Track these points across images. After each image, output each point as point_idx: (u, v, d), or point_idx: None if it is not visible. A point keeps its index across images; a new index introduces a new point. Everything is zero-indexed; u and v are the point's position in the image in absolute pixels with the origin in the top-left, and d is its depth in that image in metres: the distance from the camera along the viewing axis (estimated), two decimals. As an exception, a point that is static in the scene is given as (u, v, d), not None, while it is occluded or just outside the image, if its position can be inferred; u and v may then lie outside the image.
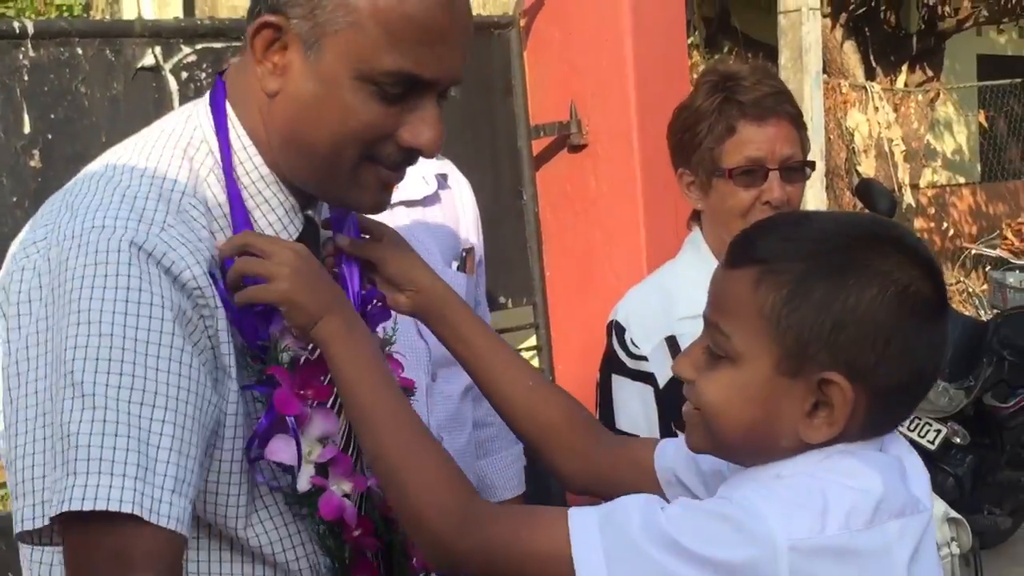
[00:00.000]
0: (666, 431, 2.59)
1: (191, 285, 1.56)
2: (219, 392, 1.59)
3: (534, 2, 4.49)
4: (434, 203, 2.90)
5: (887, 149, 11.09)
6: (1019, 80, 14.68)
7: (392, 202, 2.67)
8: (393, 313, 1.87)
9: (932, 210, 13.00)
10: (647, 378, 2.59)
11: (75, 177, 1.67)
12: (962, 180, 15.73)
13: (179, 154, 1.66)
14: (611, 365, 2.65)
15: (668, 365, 2.58)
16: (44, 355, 1.52)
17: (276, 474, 1.66)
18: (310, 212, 1.78)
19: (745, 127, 2.56)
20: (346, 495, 1.69)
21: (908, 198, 11.13)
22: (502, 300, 4.28)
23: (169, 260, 1.54)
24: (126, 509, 1.43)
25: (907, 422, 5.58)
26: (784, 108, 2.57)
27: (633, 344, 2.59)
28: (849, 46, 11.92)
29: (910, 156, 11.63)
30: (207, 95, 1.73)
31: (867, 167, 10.69)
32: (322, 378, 1.67)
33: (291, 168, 1.69)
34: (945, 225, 13.22)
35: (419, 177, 2.85)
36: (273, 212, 1.71)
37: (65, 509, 1.44)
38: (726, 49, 11.66)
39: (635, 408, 2.60)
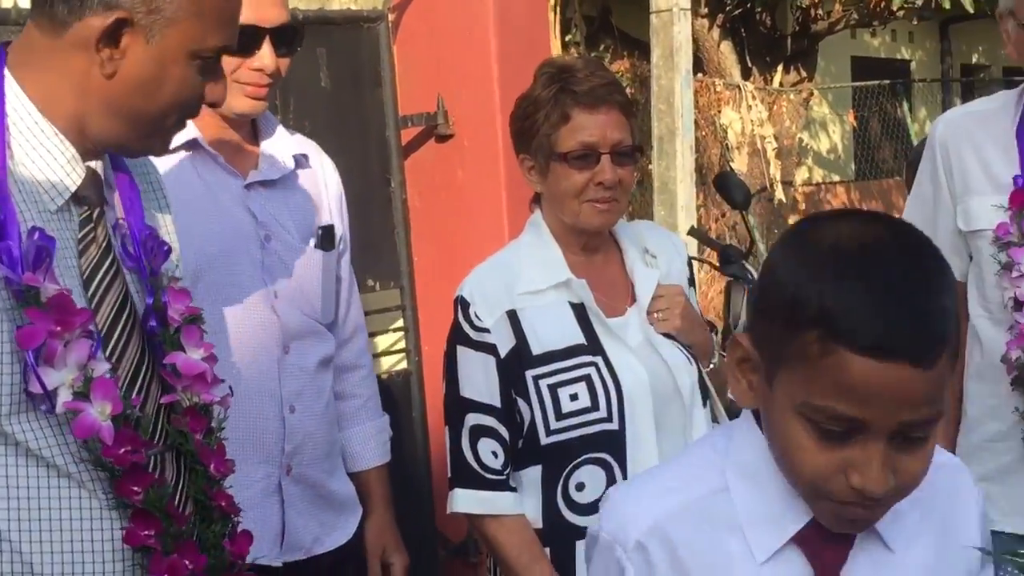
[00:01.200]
0: (506, 397, 2.79)
1: None
2: None
3: (403, -3, 4.67)
4: (292, 182, 3.00)
5: (760, 147, 11.41)
6: (890, 81, 15.12)
7: (250, 181, 2.86)
8: (173, 252, 2.17)
9: (805, 206, 13.36)
10: (490, 348, 2.79)
11: None
12: (836, 178, 16.15)
13: None
14: (457, 337, 2.86)
15: (509, 336, 2.78)
16: None
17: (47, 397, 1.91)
18: (91, 164, 2.03)
19: (579, 115, 2.79)
20: (108, 417, 1.94)
21: (779, 194, 11.45)
22: (370, 283, 4.43)
23: None
24: None
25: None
26: (614, 97, 2.81)
27: (476, 317, 2.79)
28: (726, 46, 12.22)
29: (783, 154, 11.96)
30: None
31: (740, 163, 10.99)
32: (76, 315, 1.93)
33: (107, 133, 2.01)
34: (817, 221, 13.59)
35: (279, 156, 2.97)
36: (55, 161, 1.97)
37: None
38: (603, 47, 11.90)
39: (479, 376, 2.80)
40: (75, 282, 1.98)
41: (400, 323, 4.48)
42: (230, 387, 2.34)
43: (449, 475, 2.88)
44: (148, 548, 1.98)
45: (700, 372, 2.93)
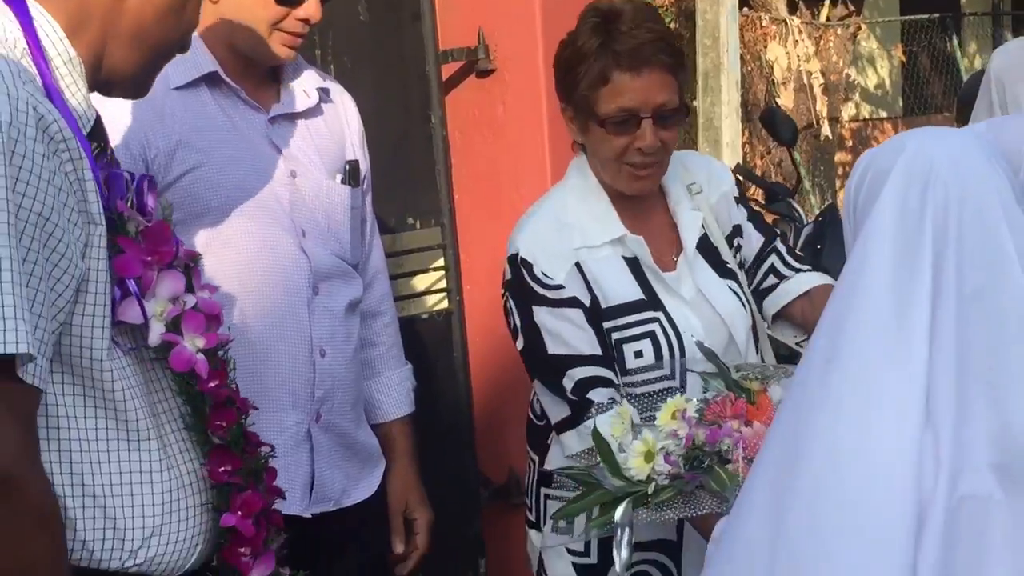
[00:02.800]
0: (603, 343, 2.70)
1: (59, 137, 1.77)
2: (87, 243, 1.81)
3: (443, -71, 4.56)
4: (316, 116, 2.93)
5: (806, 82, 11.25)
6: (939, 15, 14.86)
7: (273, 115, 2.78)
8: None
9: (852, 143, 13.19)
10: (572, 301, 2.70)
11: None
12: (884, 114, 15.93)
13: None
14: (531, 299, 2.74)
15: (583, 288, 2.70)
16: None
17: (133, 335, 1.89)
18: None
19: (619, 77, 2.65)
20: (200, 350, 1.94)
21: (826, 131, 11.29)
22: (410, 221, 4.37)
23: (38, 113, 1.74)
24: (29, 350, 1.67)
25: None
26: (659, 57, 2.65)
27: (546, 276, 2.70)
28: (773, -20, 12.02)
29: (829, 90, 11.79)
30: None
31: (786, 100, 10.84)
32: (166, 244, 1.91)
33: (124, 64, 1.97)
34: (864, 158, 13.44)
35: (301, 91, 2.89)
36: (79, 92, 1.91)
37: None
38: (646, -19, 11.75)
39: (569, 331, 2.70)
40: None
41: (441, 262, 4.42)
42: (228, 328, 2.32)
43: (555, 424, 2.79)
44: (224, 486, 1.97)
45: (753, 316, 2.85)
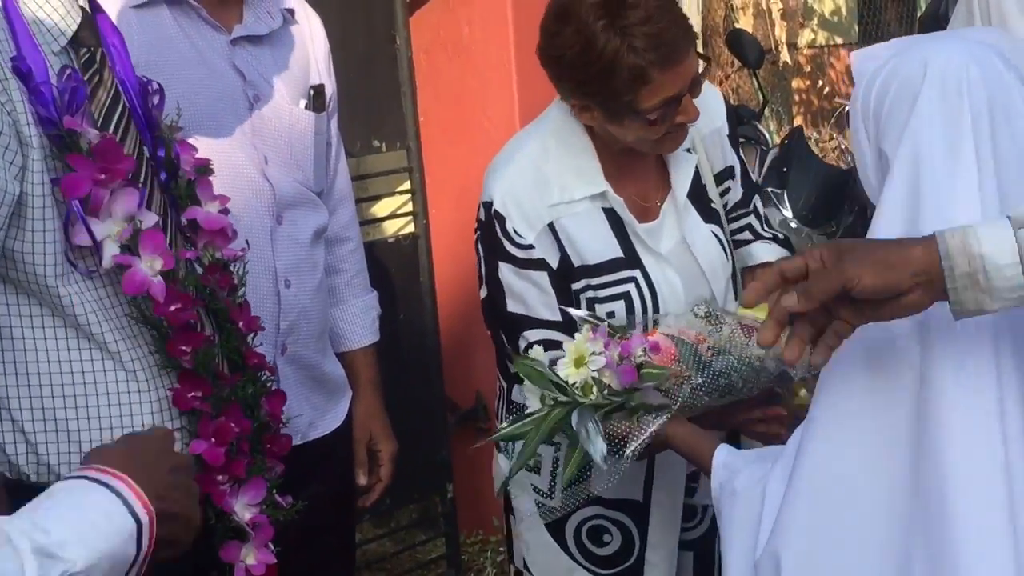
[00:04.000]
0: (563, 312, 2.63)
1: None
2: (23, 166, 1.75)
3: None
4: (280, 39, 2.80)
5: (764, 7, 11.19)
6: (896, -59, 14.80)
7: (235, 36, 2.67)
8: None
9: (809, 69, 13.15)
10: (539, 264, 2.60)
11: None
12: (840, 40, 15.91)
13: None
14: (498, 253, 2.64)
15: (553, 249, 2.61)
16: None
17: (90, 258, 1.82)
18: (82, 2, 1.91)
19: (658, 75, 2.49)
20: (158, 273, 1.83)
21: (784, 56, 11.26)
22: (376, 144, 4.32)
23: None
24: None
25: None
26: (687, 44, 2.52)
27: (516, 234, 2.58)
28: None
29: (787, 15, 11.74)
30: None
31: (744, 25, 10.77)
32: (121, 161, 1.81)
33: None
34: (821, 83, 13.40)
35: (265, 12, 2.76)
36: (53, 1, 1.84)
37: None
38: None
39: (531, 293, 2.61)
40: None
41: (407, 185, 4.37)
42: (246, 241, 2.24)
43: (503, 375, 2.77)
44: (196, 412, 1.90)
45: (734, 266, 2.79)
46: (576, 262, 2.61)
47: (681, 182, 2.68)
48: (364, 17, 4.20)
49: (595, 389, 2.35)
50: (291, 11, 2.83)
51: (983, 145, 1.77)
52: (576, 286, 2.62)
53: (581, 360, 2.36)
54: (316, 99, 2.83)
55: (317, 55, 2.89)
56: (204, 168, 2.09)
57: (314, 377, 2.84)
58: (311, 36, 2.89)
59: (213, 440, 1.91)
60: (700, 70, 2.56)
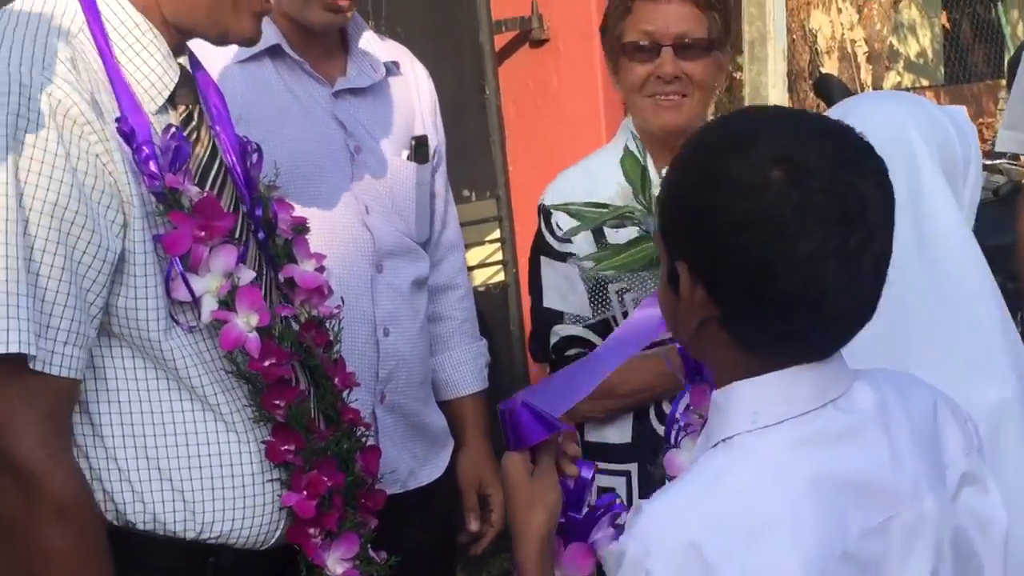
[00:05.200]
0: (596, 308, 2.68)
1: (81, 120, 1.74)
2: (124, 223, 1.79)
3: None
4: (383, 91, 2.82)
5: (850, 51, 11.14)
6: (982, -18, 14.68)
7: (338, 89, 2.69)
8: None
9: (895, 112, 13.09)
10: (564, 258, 2.68)
11: None
12: (925, 83, 15.79)
13: (48, 12, 1.83)
14: (539, 246, 2.75)
15: (591, 248, 2.66)
16: None
17: (191, 312, 1.85)
18: (181, 60, 1.93)
19: (640, 5, 2.66)
20: (254, 328, 1.86)
21: (870, 99, 11.21)
22: (466, 193, 4.34)
23: (55, 99, 1.72)
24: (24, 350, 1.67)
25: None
26: None
27: (558, 227, 2.67)
28: (814, -53, 11.89)
29: (873, 58, 11.68)
30: None
31: (830, 69, 10.74)
32: (221, 219, 1.85)
33: (186, 11, 1.89)
34: (908, 127, 13.33)
35: (368, 64, 2.79)
36: (152, 58, 1.87)
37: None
38: (690, -50, 11.66)
39: (564, 287, 2.68)
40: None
41: (496, 234, 4.39)
42: (341, 299, 2.26)
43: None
44: (288, 465, 1.92)
45: None
46: None
47: None
48: (454, 67, 4.23)
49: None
50: (396, 63, 2.85)
51: None
52: (616, 287, 2.64)
53: None
54: (419, 150, 2.84)
55: (422, 106, 2.90)
56: (301, 227, 2.12)
57: (414, 425, 2.84)
58: (416, 87, 2.90)
59: (305, 493, 1.93)
60: (695, 36, 2.65)
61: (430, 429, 2.89)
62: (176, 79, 1.91)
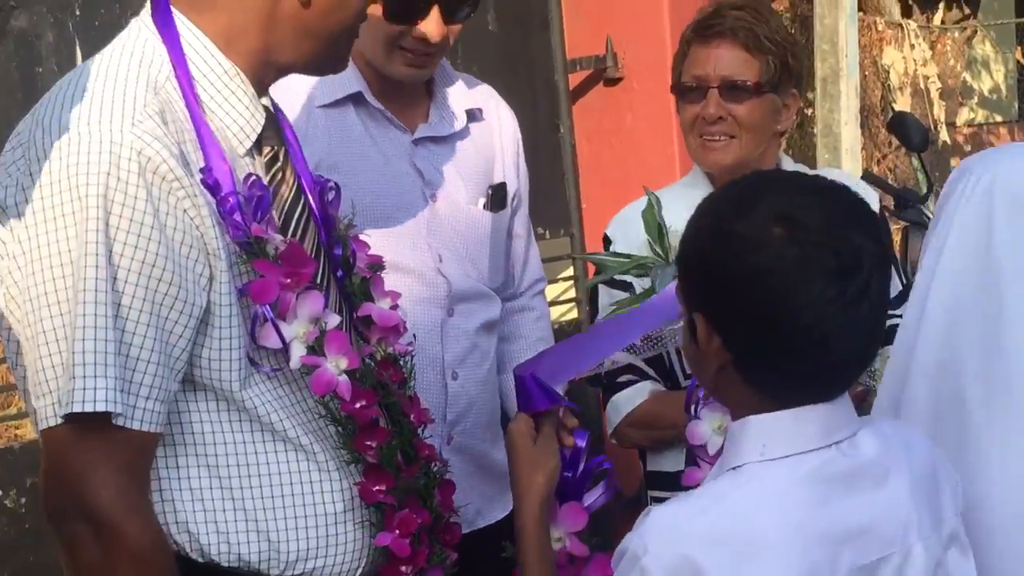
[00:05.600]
0: (648, 344, 2.69)
1: (170, 176, 1.75)
2: (211, 276, 1.81)
3: (570, -64, 4.54)
4: (464, 137, 2.81)
5: (923, 87, 11.07)
6: (1058, 17, 14.54)
7: (418, 137, 2.70)
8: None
9: (969, 148, 12.94)
10: (625, 286, 2.73)
11: (41, 99, 1.86)
12: (999, 119, 15.64)
13: (136, 63, 1.84)
14: (598, 275, 2.84)
15: (645, 279, 2.69)
16: (54, 267, 1.74)
17: (278, 356, 1.87)
18: (264, 102, 1.96)
19: (695, 49, 2.75)
20: (343, 371, 1.88)
21: (944, 136, 11.10)
22: (540, 231, 4.33)
23: (145, 156, 1.74)
24: (110, 408, 1.71)
25: None
26: (736, 33, 2.71)
27: (616, 254, 2.73)
28: (886, -16, 11.84)
29: (946, 94, 11.59)
30: (146, 11, 1.92)
31: (903, 105, 10.66)
32: (305, 265, 1.87)
33: (298, 56, 1.94)
34: (981, 163, 13.21)
35: (451, 111, 2.79)
36: (240, 103, 1.90)
37: (75, 410, 1.70)
38: (761, -14, 11.65)
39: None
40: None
41: (569, 272, 4.40)
42: (414, 335, 2.28)
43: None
44: (380, 504, 1.94)
45: None
46: None
47: None
48: (528, 105, 4.25)
49: None
50: (480, 109, 2.85)
51: None
52: (669, 324, 2.66)
53: None
54: (495, 198, 2.84)
55: (505, 151, 2.90)
56: (377, 265, 2.14)
57: (481, 466, 2.84)
58: (499, 132, 2.90)
59: (397, 531, 1.94)
60: (740, 79, 2.69)
61: (496, 468, 2.88)
62: (263, 121, 1.93)
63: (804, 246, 1.58)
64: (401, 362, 2.11)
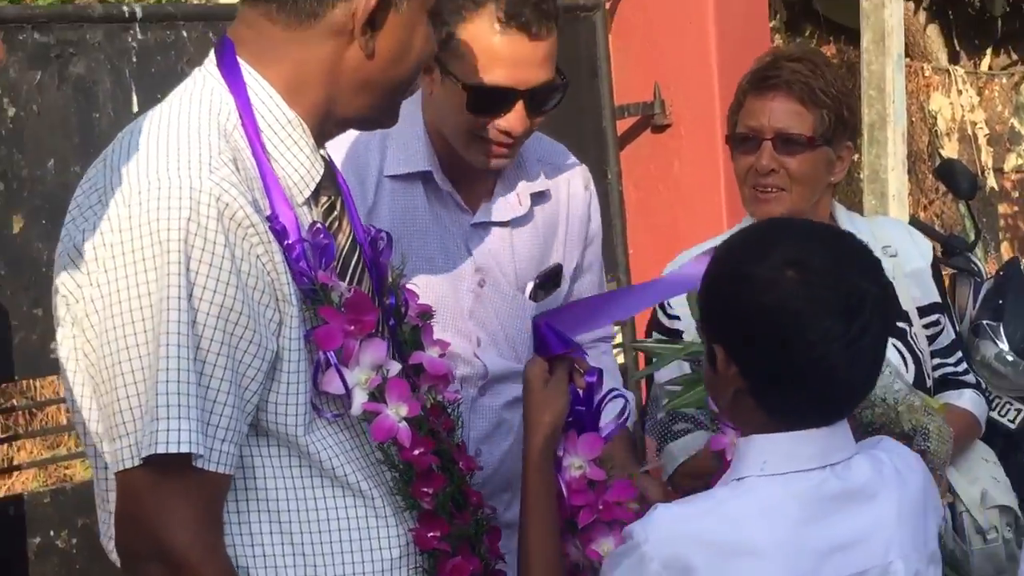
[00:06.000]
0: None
1: (246, 223, 1.78)
2: (280, 321, 1.83)
3: (619, -15, 4.58)
4: (523, 224, 2.74)
5: (970, 133, 11.03)
6: (1106, 63, 14.46)
7: (477, 221, 2.68)
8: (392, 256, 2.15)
9: (1016, 194, 12.88)
10: (678, 336, 2.76)
11: (111, 145, 1.89)
12: (1047, 165, 15.54)
13: (205, 111, 1.87)
14: (652, 323, 2.90)
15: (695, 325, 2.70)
16: (133, 310, 1.76)
17: (339, 401, 1.90)
18: (322, 152, 1.99)
19: (749, 100, 2.78)
20: (403, 418, 1.91)
21: (991, 182, 11.06)
22: (587, 276, 4.37)
23: (223, 202, 1.77)
24: (193, 450, 1.73)
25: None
26: (791, 86, 2.73)
27: (668, 305, 2.76)
28: (932, 29, 11.84)
29: (993, 140, 11.55)
30: (210, 59, 1.95)
31: (950, 151, 10.64)
32: (368, 313, 1.90)
33: (355, 110, 1.97)
34: (1029, 209, 13.12)
35: (514, 196, 2.72)
36: (301, 152, 1.92)
37: (159, 451, 1.72)
38: (808, 32, 11.63)
39: (672, 366, 2.68)
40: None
41: (616, 317, 4.40)
42: (460, 383, 2.28)
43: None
44: (435, 551, 1.95)
45: (922, 369, 2.82)
46: None
47: None
48: (576, 151, 4.18)
49: None
50: (542, 193, 2.77)
51: None
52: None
53: None
54: (546, 283, 2.79)
55: (570, 228, 2.82)
56: (427, 314, 2.15)
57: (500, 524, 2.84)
58: (567, 211, 2.81)
59: None
60: (794, 132, 2.71)
61: (509, 528, 2.87)
62: (322, 171, 1.96)
63: (813, 288, 1.77)
64: (450, 409, 2.13)
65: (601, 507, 2.19)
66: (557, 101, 2.59)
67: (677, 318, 2.80)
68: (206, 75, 1.93)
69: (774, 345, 1.78)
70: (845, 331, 1.77)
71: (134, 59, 3.43)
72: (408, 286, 2.19)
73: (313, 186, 1.95)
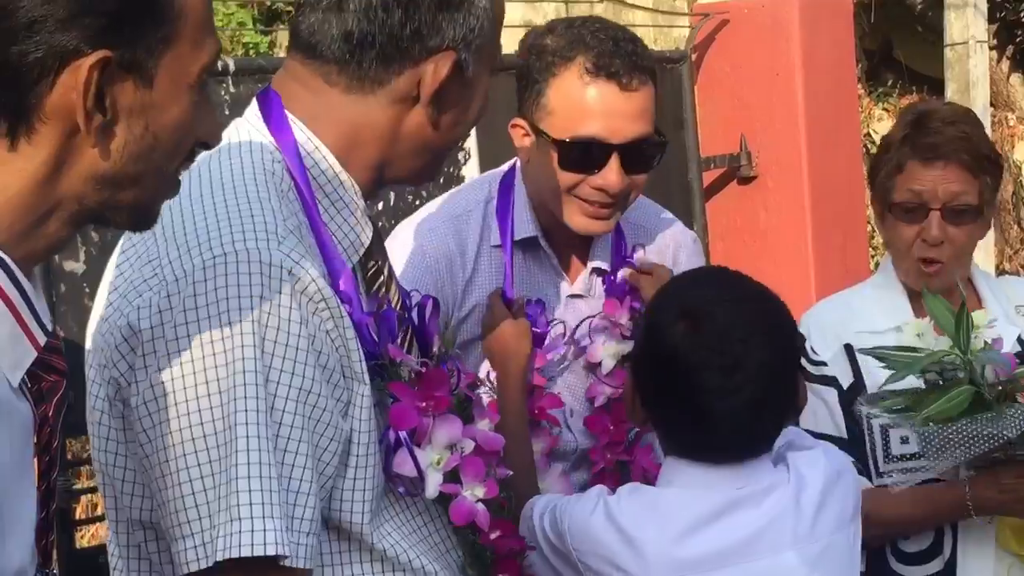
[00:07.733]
0: (850, 430, 2.65)
1: (317, 297, 1.62)
2: (349, 401, 1.67)
3: (705, 37, 4.58)
4: (610, 294, 2.62)
5: (1055, 182, 10.90)
6: None
7: (574, 292, 2.58)
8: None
9: (1102, 245, 12.70)
10: (830, 381, 2.67)
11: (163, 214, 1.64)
12: None
13: (260, 171, 1.72)
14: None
15: (847, 371, 2.66)
16: (200, 397, 1.58)
17: (412, 481, 1.74)
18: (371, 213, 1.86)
19: (913, 166, 2.63)
20: (480, 500, 1.76)
21: (1077, 231, 10.91)
22: (672, 328, 4.35)
23: (295, 276, 1.60)
24: (280, 551, 1.55)
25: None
26: (959, 154, 2.60)
27: (813, 351, 2.68)
28: (1016, 78, 11.73)
29: (1079, 189, 11.40)
30: (254, 113, 1.79)
31: (1035, 200, 10.52)
32: (442, 388, 1.75)
33: (407, 172, 1.84)
34: (1116, 259, 12.92)
35: (602, 272, 2.61)
36: (352, 216, 1.77)
37: (244, 554, 1.53)
38: (889, 83, 11.56)
39: (821, 410, 2.66)
40: None
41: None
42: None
43: None
44: None
45: None
46: (871, 387, 2.61)
47: (1003, 344, 2.66)
48: (662, 203, 4.14)
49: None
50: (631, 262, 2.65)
51: None
52: (868, 410, 2.60)
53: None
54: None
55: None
56: (475, 384, 2.00)
57: None
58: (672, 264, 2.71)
59: None
60: (963, 202, 2.60)
61: None
62: (371, 235, 1.83)
63: (697, 343, 1.90)
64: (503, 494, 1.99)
65: None
66: (657, 159, 2.48)
67: (824, 364, 2.69)
68: (250, 129, 1.78)
69: (661, 387, 1.96)
70: (721, 385, 1.90)
71: (227, 111, 3.47)
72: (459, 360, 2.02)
73: (362, 250, 1.81)
